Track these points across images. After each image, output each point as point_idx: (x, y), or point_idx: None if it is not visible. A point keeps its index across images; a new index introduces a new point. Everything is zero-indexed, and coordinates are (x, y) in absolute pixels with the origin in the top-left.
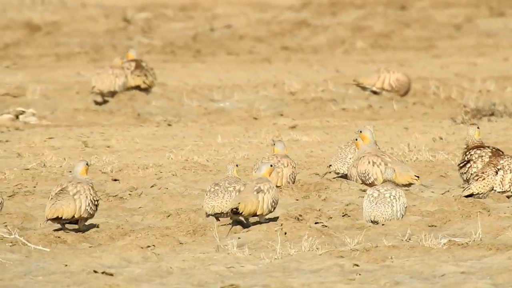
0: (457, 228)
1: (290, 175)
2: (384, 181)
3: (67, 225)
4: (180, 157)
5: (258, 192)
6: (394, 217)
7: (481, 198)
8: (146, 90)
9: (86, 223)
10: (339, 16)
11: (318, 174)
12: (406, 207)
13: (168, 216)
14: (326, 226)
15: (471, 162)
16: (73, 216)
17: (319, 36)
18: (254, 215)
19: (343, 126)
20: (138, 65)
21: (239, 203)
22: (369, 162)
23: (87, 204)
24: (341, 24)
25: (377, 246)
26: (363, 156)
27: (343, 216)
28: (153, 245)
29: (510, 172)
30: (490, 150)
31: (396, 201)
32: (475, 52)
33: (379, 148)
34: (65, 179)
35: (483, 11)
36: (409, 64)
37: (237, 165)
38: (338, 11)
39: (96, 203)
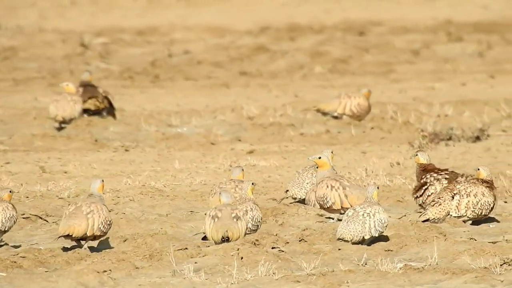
0: (413, 252)
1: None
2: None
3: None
4: (137, 182)
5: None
6: (366, 235)
7: (437, 223)
8: (100, 113)
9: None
10: (298, 42)
11: (275, 199)
12: (385, 223)
13: (125, 240)
14: (283, 251)
15: (428, 185)
16: (85, 234)
17: (277, 61)
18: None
19: (301, 151)
20: (87, 89)
21: (226, 231)
22: (327, 187)
23: (100, 223)
24: (300, 49)
25: (333, 271)
26: (322, 181)
27: (299, 241)
28: (110, 270)
29: (467, 197)
30: (446, 173)
31: (369, 218)
32: (433, 77)
33: (336, 173)
34: (81, 199)
35: (441, 36)
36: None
37: (253, 183)
38: (296, 36)
39: (109, 222)
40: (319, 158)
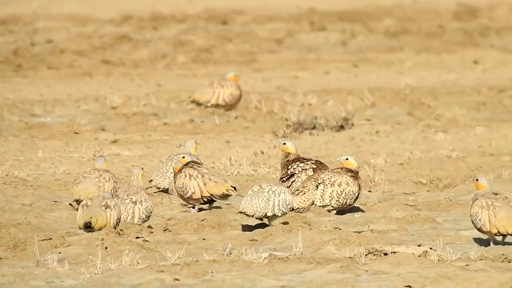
0: (278, 242)
1: (111, 190)
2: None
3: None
4: (0, 172)
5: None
6: (269, 211)
7: (302, 212)
8: None
9: None
10: (161, 31)
11: None
12: (289, 205)
13: None
14: (147, 241)
15: (295, 176)
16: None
17: (140, 50)
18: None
19: (165, 141)
20: None
21: (91, 217)
22: (185, 176)
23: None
24: (163, 39)
25: (197, 261)
26: (180, 171)
27: (164, 230)
28: None
29: (331, 186)
30: (313, 163)
31: (275, 196)
32: (296, 66)
33: (200, 162)
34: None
35: (304, 25)
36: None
37: (142, 168)
38: (159, 25)
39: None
40: (183, 157)
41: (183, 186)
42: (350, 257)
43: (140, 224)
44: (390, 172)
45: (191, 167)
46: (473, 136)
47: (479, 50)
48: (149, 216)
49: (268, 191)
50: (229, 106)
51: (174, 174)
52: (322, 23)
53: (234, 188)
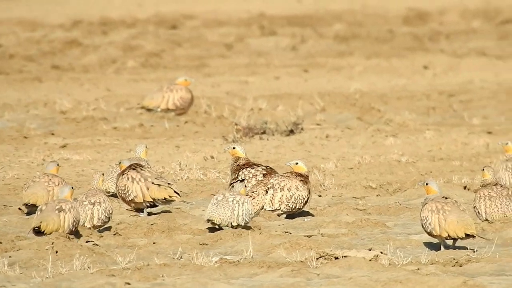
0: (228, 246)
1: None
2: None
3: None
4: None
5: (59, 211)
6: (234, 221)
7: (252, 216)
8: None
9: None
10: (110, 36)
11: None
12: (251, 214)
13: None
14: (97, 245)
15: (245, 181)
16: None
17: (90, 55)
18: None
19: (115, 145)
20: None
21: (41, 222)
22: (128, 178)
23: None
24: (112, 43)
25: (148, 265)
26: (123, 173)
27: (114, 234)
28: None
29: (280, 191)
30: (263, 169)
31: (239, 206)
32: (247, 71)
33: (149, 166)
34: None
35: (254, 30)
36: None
37: (103, 174)
38: (109, 30)
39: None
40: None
41: (125, 189)
42: (301, 261)
43: (101, 226)
44: (340, 177)
45: (134, 169)
46: (423, 140)
47: (429, 55)
48: (109, 218)
49: (233, 201)
50: (180, 110)
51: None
52: (272, 28)
53: (178, 193)
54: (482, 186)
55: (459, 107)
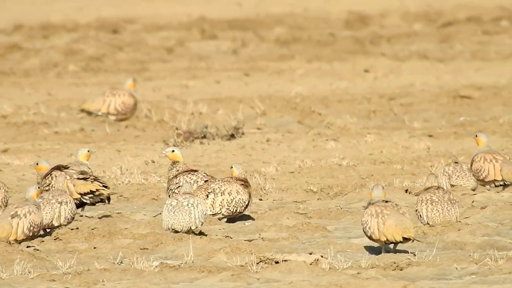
0: (169, 250)
1: (2, 199)
2: (184, 193)
3: None
4: None
5: (13, 218)
6: (193, 225)
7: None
8: None
9: None
10: (52, 40)
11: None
12: (205, 214)
13: None
14: (38, 250)
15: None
16: None
17: (31, 59)
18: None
19: (56, 150)
20: None
21: None
22: (52, 178)
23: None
24: (54, 48)
25: (89, 270)
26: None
27: (55, 239)
28: None
29: (221, 195)
30: (202, 175)
31: (194, 208)
32: (187, 74)
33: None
34: None
35: (195, 34)
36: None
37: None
38: (50, 34)
39: None
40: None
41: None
42: (241, 266)
43: (66, 225)
44: (281, 181)
45: (58, 169)
46: (364, 144)
47: (370, 58)
48: (73, 218)
49: (188, 204)
50: (121, 116)
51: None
52: (212, 32)
53: (106, 186)
54: (425, 190)
55: (400, 111)
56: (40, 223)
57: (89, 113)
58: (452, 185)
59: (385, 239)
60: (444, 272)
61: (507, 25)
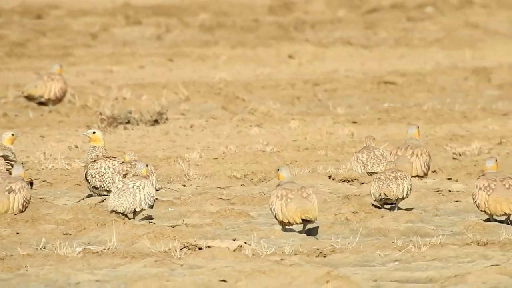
0: (92, 236)
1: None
2: (134, 174)
3: None
4: None
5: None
6: (138, 207)
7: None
8: None
9: None
10: None
11: None
12: (153, 197)
13: None
14: None
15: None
16: None
17: None
18: None
19: None
20: None
21: None
22: None
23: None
24: None
25: (11, 255)
26: None
27: None
28: None
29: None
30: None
31: (139, 191)
32: (111, 60)
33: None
34: None
35: (119, 19)
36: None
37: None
38: None
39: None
40: None
41: None
42: (165, 251)
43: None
44: (205, 167)
45: None
46: (288, 130)
47: (294, 44)
48: (29, 203)
49: (133, 186)
50: (57, 102)
51: None
52: (137, 17)
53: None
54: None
55: (324, 97)
56: (29, 201)
57: (32, 98)
58: (368, 173)
59: (287, 221)
60: (367, 259)
61: (432, 11)
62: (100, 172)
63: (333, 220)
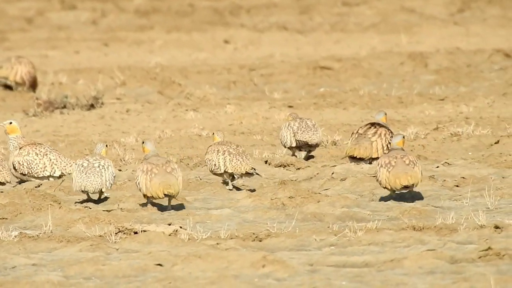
0: (28, 220)
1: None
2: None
3: None
4: None
5: None
6: (104, 187)
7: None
8: None
9: None
10: None
11: None
12: (114, 176)
13: None
14: None
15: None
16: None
17: None
18: None
19: None
20: None
21: None
22: None
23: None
24: None
25: None
26: None
27: None
28: None
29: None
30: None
31: (105, 170)
32: (47, 45)
33: None
34: None
35: (55, 4)
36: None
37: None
38: None
39: None
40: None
41: None
42: (100, 236)
43: None
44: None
45: None
46: (224, 114)
47: (230, 29)
48: None
49: (99, 166)
50: (24, 85)
51: None
52: (72, 2)
53: None
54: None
55: (260, 81)
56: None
57: None
58: (297, 141)
59: (151, 195)
60: (303, 243)
61: None
62: (27, 160)
63: (269, 205)
